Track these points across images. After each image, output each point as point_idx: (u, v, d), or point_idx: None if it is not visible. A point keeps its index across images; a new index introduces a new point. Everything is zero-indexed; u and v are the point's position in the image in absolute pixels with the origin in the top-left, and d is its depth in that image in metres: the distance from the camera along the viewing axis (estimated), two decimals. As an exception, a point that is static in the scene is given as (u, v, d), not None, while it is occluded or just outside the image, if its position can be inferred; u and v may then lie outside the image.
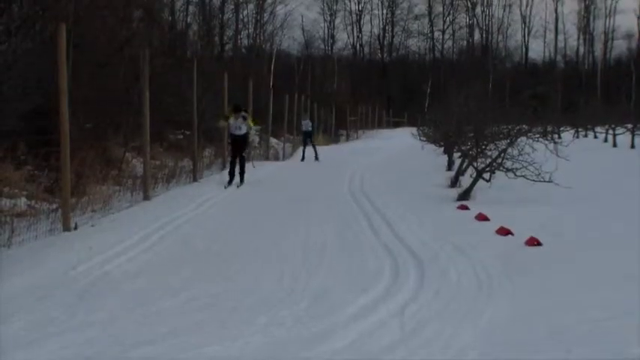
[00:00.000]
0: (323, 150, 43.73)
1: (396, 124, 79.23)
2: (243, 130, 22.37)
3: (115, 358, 7.14)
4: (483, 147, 20.15)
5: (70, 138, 13.90)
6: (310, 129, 36.35)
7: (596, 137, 44.39)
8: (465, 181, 20.15)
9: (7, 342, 7.63)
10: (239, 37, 65.61)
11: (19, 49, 18.98)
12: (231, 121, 22.36)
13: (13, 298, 9.22)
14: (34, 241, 12.66)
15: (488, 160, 19.40)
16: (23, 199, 15.32)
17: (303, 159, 34.58)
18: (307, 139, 36.06)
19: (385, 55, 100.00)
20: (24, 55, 18.66)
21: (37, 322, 8.41)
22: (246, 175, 22.85)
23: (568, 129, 43.94)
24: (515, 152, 18.74)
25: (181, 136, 29.66)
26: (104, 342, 7.65)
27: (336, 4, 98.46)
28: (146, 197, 18.20)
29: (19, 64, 18.13)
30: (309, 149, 35.46)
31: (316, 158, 33.87)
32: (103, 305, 9.14)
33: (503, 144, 19.52)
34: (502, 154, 19.05)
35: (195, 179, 23.38)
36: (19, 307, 8.93)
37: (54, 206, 15.29)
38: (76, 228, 13.80)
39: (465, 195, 18.29)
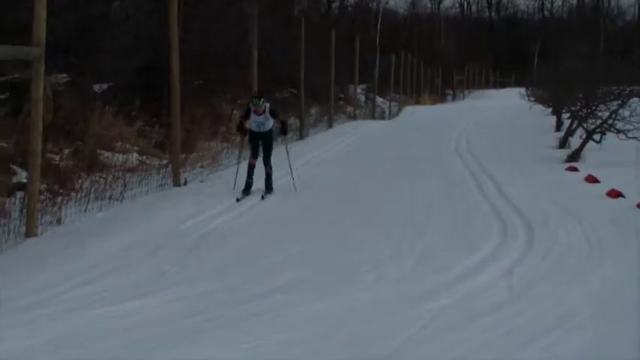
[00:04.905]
0: (429, 110, 43.49)
1: (503, 85, 78.17)
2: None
3: (226, 311, 7.25)
4: (594, 107, 19.78)
5: (179, 94, 14.09)
6: (266, 129, 14.32)
7: None
8: (574, 142, 19.83)
9: (120, 293, 7.82)
10: (346, -6, 65.44)
11: (132, 5, 19.23)
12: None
13: (126, 251, 9.43)
14: (145, 196, 12.91)
15: (599, 121, 19.06)
16: (135, 155, 15.58)
17: (246, 187, 13.91)
18: (259, 146, 14.37)
19: (493, 13, 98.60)
20: (136, 12, 18.90)
21: (150, 274, 8.60)
22: (367, 126, 22.56)
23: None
24: (627, 113, 18.36)
25: (288, 94, 29.72)
26: (214, 295, 7.80)
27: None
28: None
29: (131, 21, 18.38)
30: (260, 169, 14.32)
31: (267, 189, 14.11)
32: (213, 259, 9.30)
33: (614, 105, 19.14)
34: (613, 115, 18.68)
35: (301, 137, 23.51)
36: (132, 259, 9.14)
37: (164, 162, 15.54)
38: (185, 183, 14.01)
39: (575, 156, 18.01)
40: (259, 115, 13.82)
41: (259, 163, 13.93)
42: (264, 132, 14.07)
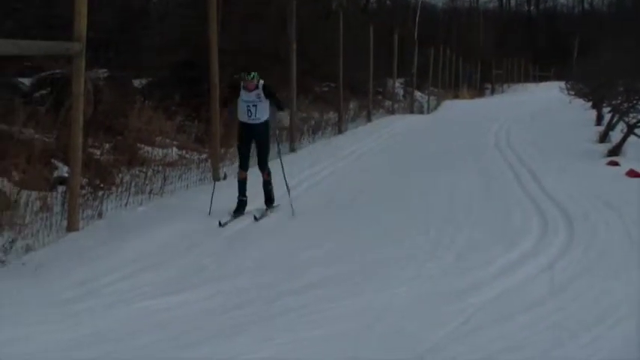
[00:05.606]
0: (468, 104, 43.34)
1: (542, 78, 77.72)
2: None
3: (263, 306, 7.29)
4: (635, 101, 19.59)
5: (219, 89, 14.13)
6: (259, 118, 11.44)
7: None
8: (615, 136, 19.63)
9: (160, 287, 7.89)
10: (384, -12, 65.26)
11: (172, 1, 19.35)
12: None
13: (166, 246, 9.48)
14: (185, 190, 12.96)
15: (640, 115, 18.89)
16: (174, 149, 15.66)
17: (238, 207, 11.43)
18: (249, 149, 11.74)
19: (532, 7, 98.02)
20: (176, 8, 19.01)
21: (189, 269, 8.66)
22: (398, 125, 22.46)
23: None
24: (670, 108, 18.21)
25: (327, 89, 29.74)
26: (252, 291, 7.85)
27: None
28: (292, 149, 18.38)
29: (170, 16, 18.49)
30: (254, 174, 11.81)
31: (268, 202, 11.84)
32: (251, 255, 9.34)
33: (656, 98, 18.98)
34: (656, 109, 18.53)
35: (340, 131, 23.50)
36: (172, 254, 9.20)
37: (203, 156, 15.59)
38: (225, 178, 14.04)
39: (615, 151, 17.82)
40: (250, 91, 11.23)
41: (253, 173, 11.63)
42: (257, 124, 11.36)
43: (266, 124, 11.52)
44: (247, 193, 11.52)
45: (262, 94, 11.30)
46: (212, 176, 13.85)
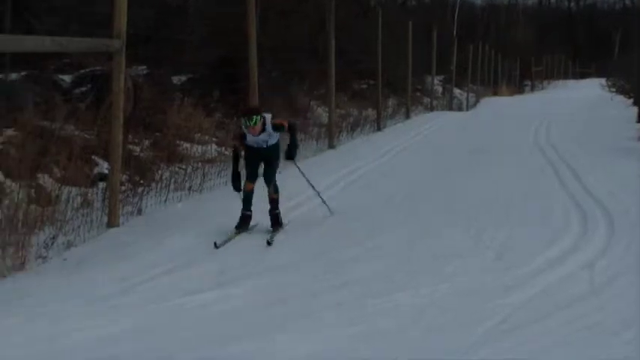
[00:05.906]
0: (507, 101, 43.12)
1: (583, 75, 77.33)
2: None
3: (301, 303, 7.28)
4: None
5: (257, 87, 14.15)
6: (270, 144, 10.38)
7: None
8: (657, 133, 19.50)
9: (199, 284, 7.90)
10: (423, -15, 65.06)
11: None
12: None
13: (205, 242, 9.48)
14: (223, 187, 12.97)
15: (683, 112, 18.73)
16: (213, 146, 15.68)
17: (241, 221, 10.22)
18: (259, 163, 10.56)
19: (572, 3, 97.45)
20: (214, 4, 19.08)
21: (228, 265, 8.66)
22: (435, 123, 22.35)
23: None
24: None
25: (365, 86, 29.71)
26: (291, 287, 7.83)
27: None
28: (331, 146, 18.39)
29: (208, 13, 18.55)
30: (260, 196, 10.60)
31: (273, 224, 10.42)
32: (290, 252, 9.31)
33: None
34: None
35: (379, 128, 23.48)
36: (210, 250, 9.22)
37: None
38: (262, 173, 14.05)
39: (656, 148, 17.72)
40: (258, 135, 10.11)
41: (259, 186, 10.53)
42: (267, 147, 10.33)
43: (276, 145, 10.49)
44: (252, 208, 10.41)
45: (272, 132, 10.21)
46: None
